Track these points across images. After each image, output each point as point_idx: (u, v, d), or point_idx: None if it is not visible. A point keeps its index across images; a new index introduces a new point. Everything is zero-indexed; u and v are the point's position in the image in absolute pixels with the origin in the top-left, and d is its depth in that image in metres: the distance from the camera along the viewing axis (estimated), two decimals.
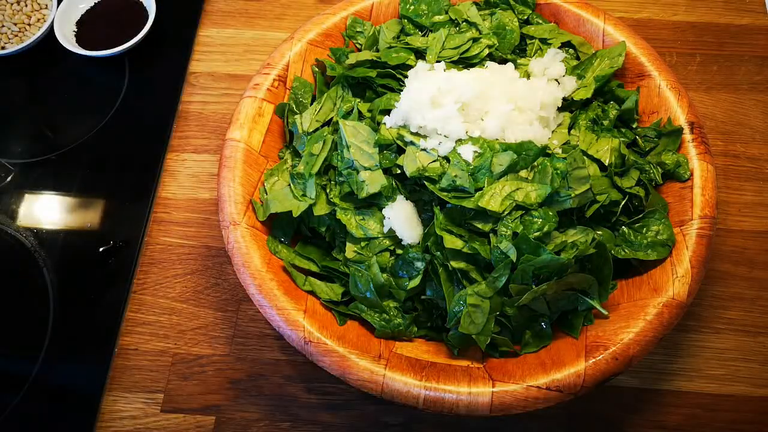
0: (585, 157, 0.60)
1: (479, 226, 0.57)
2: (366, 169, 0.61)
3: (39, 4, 0.88)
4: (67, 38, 0.85)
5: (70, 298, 0.73)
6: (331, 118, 0.66)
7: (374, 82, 0.66)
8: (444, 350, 0.61)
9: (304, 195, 0.63)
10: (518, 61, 0.68)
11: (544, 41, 0.70)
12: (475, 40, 0.69)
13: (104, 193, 0.80)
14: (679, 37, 0.87)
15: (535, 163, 0.59)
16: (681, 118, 0.64)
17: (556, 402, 0.54)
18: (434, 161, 0.59)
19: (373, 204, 0.61)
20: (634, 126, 0.67)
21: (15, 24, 0.86)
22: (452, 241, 0.57)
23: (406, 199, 0.61)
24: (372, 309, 0.60)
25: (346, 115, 0.65)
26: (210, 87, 0.86)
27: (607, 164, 0.61)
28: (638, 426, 0.66)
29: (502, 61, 0.68)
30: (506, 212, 0.56)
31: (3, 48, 0.85)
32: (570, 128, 0.65)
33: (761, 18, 0.89)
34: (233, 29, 0.90)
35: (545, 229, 0.56)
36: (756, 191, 0.77)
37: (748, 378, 0.68)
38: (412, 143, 0.60)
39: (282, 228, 0.64)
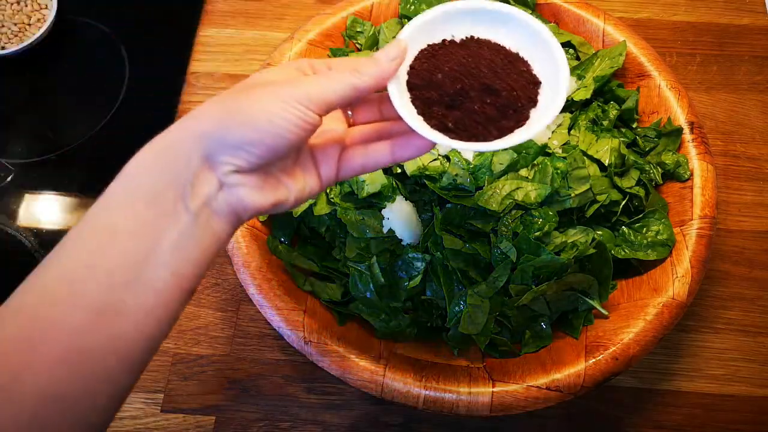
0: (585, 157, 0.60)
1: (479, 225, 0.57)
2: None
3: (39, 4, 0.88)
4: None
5: None
6: None
7: None
8: (444, 350, 0.61)
9: None
10: None
11: None
12: None
13: None
14: (679, 37, 0.87)
15: (536, 162, 0.59)
16: (681, 118, 0.64)
17: (556, 402, 0.54)
18: (435, 160, 0.59)
19: (373, 204, 0.61)
20: (634, 126, 0.67)
21: (15, 24, 0.86)
22: (452, 241, 0.57)
23: (406, 199, 0.61)
24: (372, 309, 0.60)
25: None
26: (210, 87, 0.86)
27: (607, 164, 0.61)
28: (638, 426, 0.66)
29: None
30: (506, 211, 0.56)
31: (3, 48, 0.85)
32: (570, 129, 0.65)
33: (761, 18, 0.89)
34: (233, 29, 0.90)
35: (545, 229, 0.56)
36: (756, 191, 0.77)
37: (748, 378, 0.68)
38: None
39: (282, 228, 0.64)
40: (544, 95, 0.44)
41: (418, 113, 0.42)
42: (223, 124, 0.36)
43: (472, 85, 0.42)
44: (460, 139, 0.41)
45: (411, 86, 0.42)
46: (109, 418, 0.35)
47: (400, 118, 0.41)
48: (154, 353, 0.37)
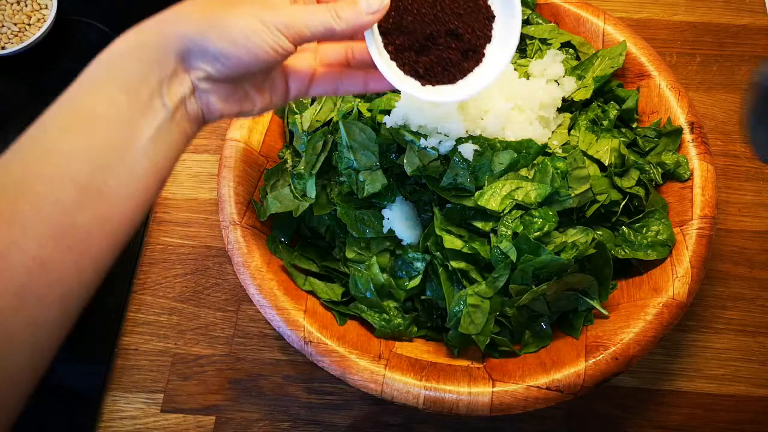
0: (585, 157, 0.60)
1: (479, 225, 0.57)
2: (366, 169, 0.61)
3: (39, 4, 0.88)
4: None
5: None
6: (331, 118, 0.66)
7: None
8: (444, 350, 0.61)
9: (304, 195, 0.63)
10: (518, 61, 0.68)
11: (544, 41, 0.70)
12: None
13: None
14: (679, 37, 0.87)
15: (536, 162, 0.59)
16: (681, 118, 0.64)
17: (556, 402, 0.54)
18: (435, 160, 0.59)
19: (373, 204, 0.61)
20: (634, 126, 0.67)
21: (15, 24, 0.86)
22: (452, 241, 0.57)
23: (406, 200, 0.61)
24: (372, 309, 0.60)
25: (346, 115, 0.65)
26: None
27: (607, 164, 0.61)
28: (638, 426, 0.66)
29: None
30: (506, 211, 0.56)
31: (3, 48, 0.85)
32: (570, 129, 0.65)
33: (761, 18, 0.89)
34: None
35: (545, 229, 0.56)
36: (756, 191, 0.77)
37: (748, 378, 0.68)
38: (412, 142, 0.60)
39: (282, 228, 0.64)
40: (497, 29, 0.46)
41: (391, 59, 0.45)
42: (204, 33, 0.38)
43: (439, 31, 0.45)
44: (430, 84, 0.45)
45: (382, 31, 0.44)
46: (92, 291, 0.38)
47: (374, 65, 0.43)
48: (132, 234, 0.39)
